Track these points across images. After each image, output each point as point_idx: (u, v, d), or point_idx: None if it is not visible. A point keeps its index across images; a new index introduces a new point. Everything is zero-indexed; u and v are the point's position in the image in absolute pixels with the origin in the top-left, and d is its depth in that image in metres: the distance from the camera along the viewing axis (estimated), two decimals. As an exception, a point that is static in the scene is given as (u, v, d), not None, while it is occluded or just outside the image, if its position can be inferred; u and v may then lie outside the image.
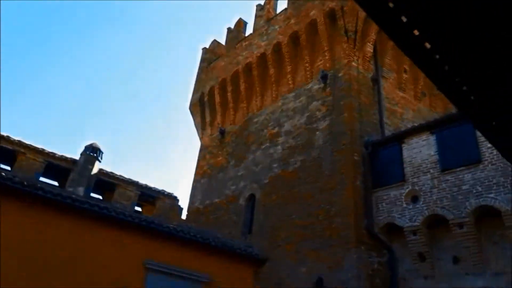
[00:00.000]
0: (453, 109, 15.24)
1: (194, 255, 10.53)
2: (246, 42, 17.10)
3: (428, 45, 3.05)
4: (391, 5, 2.70)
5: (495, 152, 8.99)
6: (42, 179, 15.94)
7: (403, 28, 2.86)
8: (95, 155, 16.45)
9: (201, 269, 10.39)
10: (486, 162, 9.04)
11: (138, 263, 9.61)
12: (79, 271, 8.94)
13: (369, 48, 13.12)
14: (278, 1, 17.80)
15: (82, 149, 16.26)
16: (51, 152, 15.68)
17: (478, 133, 9.39)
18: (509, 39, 2.86)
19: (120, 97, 47.81)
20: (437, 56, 3.19)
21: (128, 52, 47.63)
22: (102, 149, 16.50)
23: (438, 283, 9.15)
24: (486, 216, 8.84)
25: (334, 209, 10.40)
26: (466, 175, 9.22)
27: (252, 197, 13.47)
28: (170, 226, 10.42)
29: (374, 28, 13.14)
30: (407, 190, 10.07)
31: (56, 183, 16.71)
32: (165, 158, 48.78)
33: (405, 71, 14.02)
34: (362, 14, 12.83)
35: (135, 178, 17.97)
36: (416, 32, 3.01)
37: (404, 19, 2.75)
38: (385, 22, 2.88)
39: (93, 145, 16.58)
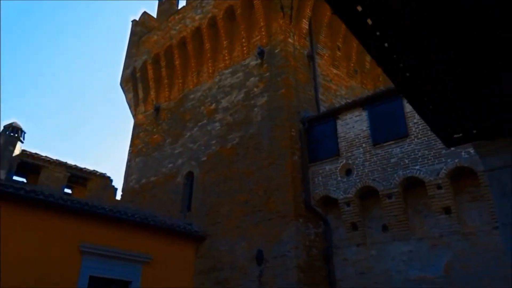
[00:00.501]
0: (382, 86, 16.08)
1: (132, 236, 10.24)
2: (179, 15, 16.49)
3: (370, 22, 3.15)
4: None
5: (420, 127, 9.65)
6: (-46, 162, 14.45)
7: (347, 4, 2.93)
8: (16, 135, 15.21)
9: (140, 250, 10.16)
10: (412, 137, 9.66)
11: (73, 247, 9.15)
12: (10, 258, 8.31)
13: (305, 25, 13.28)
14: (213, -27, 17.26)
15: (1, 129, 14.93)
16: (-35, 133, 14.21)
17: (406, 109, 10.01)
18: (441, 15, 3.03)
19: (44, 72, 44.30)
20: (378, 33, 3.30)
21: (52, 22, 43.95)
22: (23, 129, 15.29)
23: (369, 250, 9.78)
24: (412, 186, 9.53)
25: (273, 184, 10.60)
26: (394, 149, 9.81)
27: (190, 175, 13.31)
28: (106, 207, 10.00)
29: (309, 5, 13.29)
30: (341, 164, 10.52)
31: (-28, 166, 15.24)
32: (96, 137, 46.45)
33: (339, 49, 14.42)
34: (297, -11, 12.88)
35: (63, 159, 16.94)
36: (359, 8, 3.09)
37: None
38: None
39: (13, 124, 15.29)
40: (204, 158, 13.00)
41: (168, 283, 10.50)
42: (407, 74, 3.89)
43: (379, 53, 3.55)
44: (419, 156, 9.42)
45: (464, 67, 3.69)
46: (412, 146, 9.61)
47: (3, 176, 14.05)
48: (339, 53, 14.38)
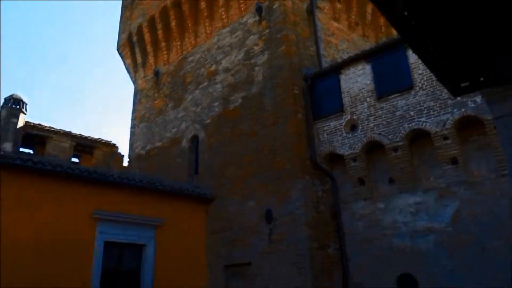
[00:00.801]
0: (384, 38, 15.69)
1: (143, 201, 10.40)
2: (173, -26, 15.86)
3: None
4: None
5: (425, 77, 9.48)
6: (-40, 137, 14.50)
7: None
8: (18, 107, 15.15)
9: (152, 214, 10.35)
10: (417, 88, 9.51)
11: (87, 215, 9.32)
12: (27, 230, 8.50)
13: (303, -23, 12.76)
14: None
15: (1, 102, 14.85)
16: (-34, 107, 14.16)
17: (410, 60, 9.80)
18: None
19: (39, 42, 43.50)
20: None
21: (38, -12, 42.60)
22: (25, 100, 15.20)
23: (376, 203, 9.90)
24: (418, 138, 9.49)
25: (278, 143, 10.60)
26: (399, 101, 9.69)
27: (195, 138, 13.32)
28: (114, 174, 10.09)
29: (306, -45, 12.72)
30: (346, 119, 10.45)
31: (-23, 141, 15.31)
32: (99, 104, 46.27)
33: (339, 1, 13.95)
34: None
35: (67, 128, 16.96)
36: None
37: None
38: None
39: (14, 96, 15.19)
40: (208, 121, 12.95)
41: (182, 244, 10.78)
42: (412, 23, 3.77)
43: (383, 2, 3.43)
44: (425, 108, 9.31)
45: (470, 11, 3.55)
46: (417, 97, 9.48)
47: (9, 149, 14.14)
48: (339, 5, 13.93)
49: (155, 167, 14.25)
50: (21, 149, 16.03)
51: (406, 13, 3.66)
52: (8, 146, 14.64)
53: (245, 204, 10.84)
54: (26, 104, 15.55)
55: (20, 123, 15.04)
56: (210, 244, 11.43)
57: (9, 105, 15.28)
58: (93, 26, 46.31)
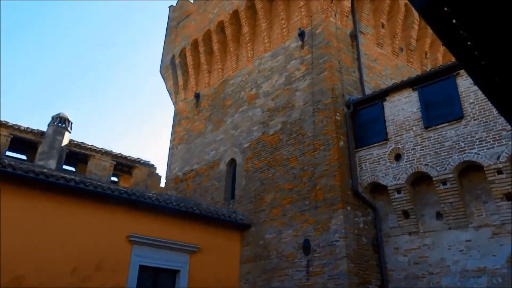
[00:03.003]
0: (428, 64, 15.22)
1: (178, 225, 10.31)
2: (217, -1, 16.21)
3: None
4: None
5: (477, 107, 9.00)
6: (9, 153, 15.13)
7: None
8: (64, 125, 15.71)
9: (187, 239, 10.22)
10: (468, 118, 9.02)
11: (123, 237, 9.31)
12: (65, 250, 8.57)
13: (347, 2, 12.63)
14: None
15: (49, 120, 15.45)
16: (16, 125, 14.81)
17: (461, 89, 9.35)
18: None
19: (87, 64, 45.59)
20: (446, 9, 2.96)
21: (94, 16, 44.93)
22: (70, 119, 15.74)
23: (422, 239, 9.34)
24: (468, 171, 8.94)
25: (319, 170, 10.30)
26: (449, 132, 9.21)
27: (233, 162, 13.22)
28: (152, 197, 10.08)
29: (351, -19, 12.62)
30: (390, 148, 10.03)
31: (24, 157, 15.91)
32: (139, 125, 47.57)
33: (383, 26, 13.68)
34: (338, -34, 12.24)
35: (108, 147, 17.37)
36: None
37: None
38: None
39: (61, 115, 15.78)
40: (247, 145, 12.84)
41: (216, 271, 10.55)
42: (469, 43, 3.49)
43: (445, 31, 3.19)
44: (477, 139, 8.79)
45: None
46: (468, 128, 8.98)
47: (53, 166, 14.58)
48: (383, 31, 13.65)
49: (192, 189, 14.23)
50: (64, 166, 16.52)
51: (469, 43, 3.40)
52: (52, 163, 15.09)
53: (283, 232, 10.52)
54: (71, 123, 16.10)
55: (65, 141, 15.55)
56: (245, 273, 11.13)
57: (55, 123, 15.86)
58: (137, 47, 48.11)
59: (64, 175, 9.75)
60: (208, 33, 15.90)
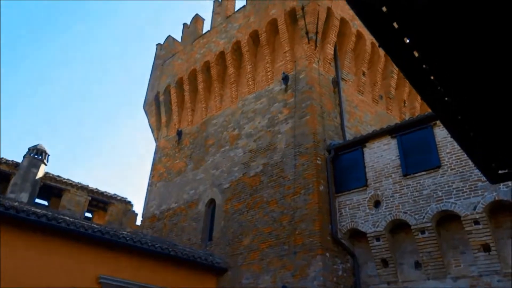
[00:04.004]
0: (407, 112, 15.66)
1: (152, 266, 9.93)
2: (204, 40, 16.56)
3: (406, 40, 2.94)
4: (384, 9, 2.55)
5: (454, 157, 9.19)
6: (-21, 185, 14.57)
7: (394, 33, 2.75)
8: (40, 157, 15.33)
9: (161, 282, 9.81)
10: (445, 167, 9.19)
11: (93, 279, 8.88)
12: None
13: (330, 50, 13.06)
14: (236, -1, 17.40)
15: (25, 151, 15.07)
16: (-10, 156, 14.36)
17: (438, 138, 9.58)
18: (490, 48, 2.81)
19: (69, 96, 45.31)
20: (417, 55, 3.06)
21: (77, 48, 45.18)
22: (48, 151, 15.40)
23: (401, 288, 9.21)
24: (446, 220, 8.99)
25: (298, 215, 10.21)
26: (427, 180, 9.33)
27: (212, 202, 13.02)
28: (127, 237, 9.75)
29: (334, 30, 13.11)
30: (370, 195, 10.07)
31: (-5, 189, 15.34)
32: (118, 160, 46.88)
33: (364, 74, 14.12)
34: (322, 15, 12.75)
35: (85, 182, 16.96)
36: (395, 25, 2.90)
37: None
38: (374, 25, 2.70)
39: (38, 147, 15.44)
40: (227, 186, 12.71)
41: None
42: (446, 99, 3.58)
43: (416, 76, 3.29)
44: (454, 188, 8.92)
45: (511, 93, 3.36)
46: (445, 177, 9.12)
47: (25, 199, 14.08)
48: (364, 79, 14.08)
49: (169, 229, 13.87)
50: (37, 200, 15.97)
51: (440, 88, 3.49)
52: (24, 197, 14.58)
53: (260, 278, 10.23)
54: (48, 155, 15.73)
55: (40, 174, 15.12)
56: (219, 318, 10.70)
57: (31, 155, 15.47)
58: (120, 83, 48.24)
59: (35, 210, 9.40)
60: (193, 72, 16.09)
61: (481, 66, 3.14)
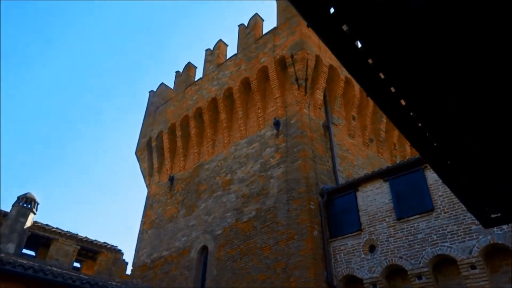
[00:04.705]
0: (398, 155, 15.84)
1: (142, 320, 9.56)
2: (196, 87, 16.89)
3: (393, 90, 3.03)
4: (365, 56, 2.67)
5: (446, 200, 9.21)
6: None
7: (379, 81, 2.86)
8: (29, 206, 15.07)
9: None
10: (439, 210, 9.18)
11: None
12: None
13: (320, 96, 13.36)
14: (228, 47, 17.93)
15: (14, 200, 14.82)
16: (-23, 205, 14.08)
17: (429, 181, 9.63)
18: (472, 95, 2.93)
19: (59, 143, 45.26)
20: (404, 103, 3.15)
21: (67, 93, 45.71)
22: (38, 199, 15.16)
23: (400, 337, 8.91)
24: (442, 265, 8.87)
25: (292, 261, 10.01)
26: (421, 224, 9.29)
27: (205, 249, 12.75)
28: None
29: (323, 76, 13.48)
30: (365, 239, 9.96)
31: (-19, 240, 14.92)
32: (108, 207, 46.18)
33: (354, 118, 14.39)
34: (311, 62, 13.16)
35: (74, 230, 16.59)
36: (392, 89, 3.00)
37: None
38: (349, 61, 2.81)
39: (28, 195, 15.20)
40: (219, 232, 12.52)
41: None
42: (435, 144, 3.64)
43: (404, 123, 3.37)
44: (448, 232, 8.87)
45: (501, 139, 3.43)
46: (439, 220, 9.10)
47: (12, 250, 13.67)
48: (354, 123, 14.33)
49: (160, 278, 13.46)
50: (24, 250, 15.53)
51: (429, 134, 3.56)
52: (11, 247, 14.17)
53: (254, 329, 9.87)
54: (38, 204, 15.47)
55: (28, 223, 14.78)
56: None
57: (20, 204, 15.21)
58: (110, 130, 48.46)
59: (22, 261, 9.12)
60: (186, 118, 16.28)
61: (467, 112, 3.24)
